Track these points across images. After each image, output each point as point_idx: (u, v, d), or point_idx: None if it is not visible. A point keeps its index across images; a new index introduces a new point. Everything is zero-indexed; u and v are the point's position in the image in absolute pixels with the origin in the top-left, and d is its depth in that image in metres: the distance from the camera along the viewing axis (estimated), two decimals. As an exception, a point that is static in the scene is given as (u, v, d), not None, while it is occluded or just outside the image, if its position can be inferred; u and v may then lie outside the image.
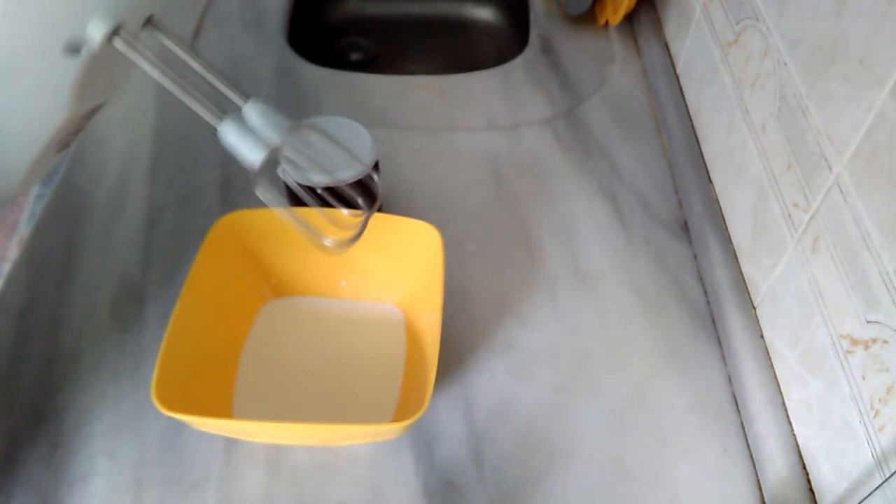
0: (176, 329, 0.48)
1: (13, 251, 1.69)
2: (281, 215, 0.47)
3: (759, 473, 0.52)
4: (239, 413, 0.53)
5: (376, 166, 0.59)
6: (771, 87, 0.55)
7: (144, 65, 0.40)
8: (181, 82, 0.42)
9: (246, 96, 0.46)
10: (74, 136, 0.44)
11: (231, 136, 0.43)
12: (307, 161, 0.53)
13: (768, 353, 0.55)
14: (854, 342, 0.43)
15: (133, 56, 0.40)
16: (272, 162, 0.45)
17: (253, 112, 0.45)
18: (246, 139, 0.43)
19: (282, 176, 0.58)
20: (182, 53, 0.44)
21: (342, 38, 1.03)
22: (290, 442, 0.52)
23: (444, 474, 0.51)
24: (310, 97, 0.78)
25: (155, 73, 0.41)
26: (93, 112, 0.44)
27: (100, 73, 0.41)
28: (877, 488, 0.40)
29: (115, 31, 0.39)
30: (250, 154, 0.43)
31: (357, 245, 0.57)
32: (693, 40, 0.74)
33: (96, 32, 0.38)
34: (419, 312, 0.57)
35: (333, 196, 0.57)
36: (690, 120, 0.73)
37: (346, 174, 0.56)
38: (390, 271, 0.58)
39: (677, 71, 0.78)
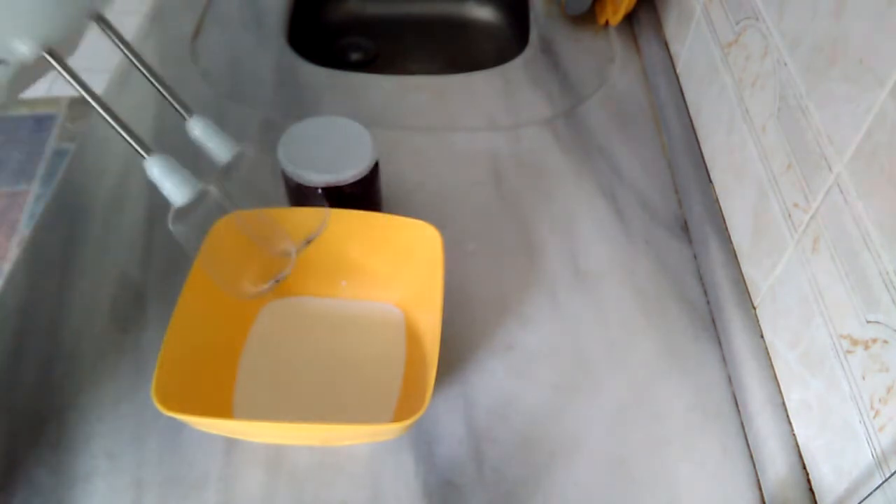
0: (176, 329, 0.48)
1: (13, 251, 1.69)
2: (197, 259, 0.47)
3: (759, 473, 0.52)
4: (239, 413, 0.53)
5: (376, 166, 0.59)
6: (771, 87, 0.55)
7: (74, 85, 0.41)
8: (112, 113, 0.42)
9: (189, 112, 0.46)
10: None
11: (155, 171, 0.43)
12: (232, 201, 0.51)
13: (768, 353, 0.55)
14: (854, 342, 0.43)
15: (63, 75, 0.40)
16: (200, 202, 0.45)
17: (196, 127, 0.45)
18: (172, 177, 0.43)
19: (283, 174, 0.58)
20: (131, 59, 0.45)
21: (342, 38, 1.03)
22: (289, 442, 0.52)
23: (444, 474, 0.51)
24: (310, 97, 0.78)
25: (86, 96, 0.41)
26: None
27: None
28: (877, 488, 0.40)
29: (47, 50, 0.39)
30: (173, 192, 0.43)
31: (357, 245, 0.58)
32: (693, 40, 0.74)
33: (24, 50, 0.39)
34: (419, 312, 0.57)
35: (334, 195, 0.57)
36: (690, 120, 0.73)
37: (347, 174, 0.56)
38: (390, 271, 0.58)
39: (677, 71, 0.78)
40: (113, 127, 0.42)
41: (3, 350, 0.56)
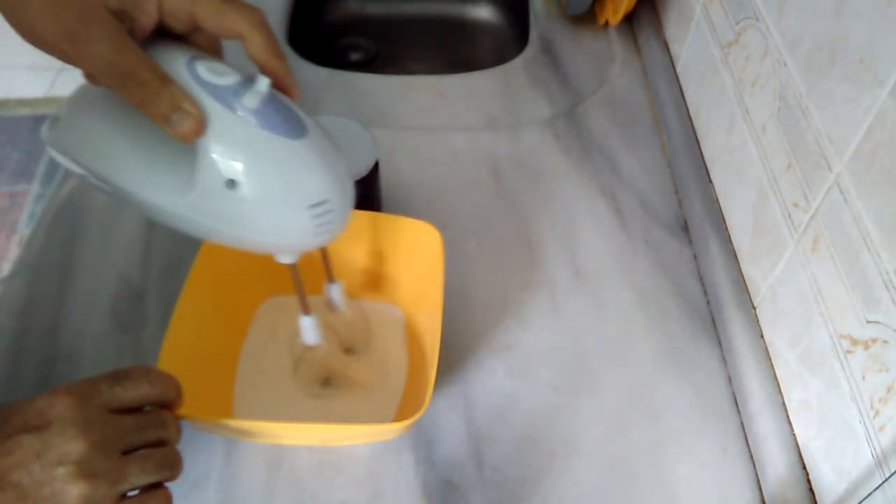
0: (176, 329, 0.48)
1: (13, 251, 1.69)
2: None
3: (759, 473, 0.52)
4: (239, 413, 0.53)
5: (376, 166, 0.59)
6: (771, 87, 0.55)
7: None
8: None
9: None
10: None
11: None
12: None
13: (768, 353, 0.55)
14: (854, 342, 0.43)
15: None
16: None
17: None
18: None
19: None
20: None
21: (342, 38, 1.03)
22: (290, 442, 0.52)
23: (444, 474, 0.51)
24: (310, 97, 0.78)
25: None
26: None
27: None
28: (877, 488, 0.40)
29: None
30: None
31: (357, 245, 0.58)
32: (693, 40, 0.74)
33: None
34: (419, 312, 0.57)
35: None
36: (690, 120, 0.73)
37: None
38: (390, 271, 0.58)
39: (677, 71, 0.78)
40: None
41: (3, 350, 0.56)
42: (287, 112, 0.39)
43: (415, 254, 0.56)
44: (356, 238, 0.57)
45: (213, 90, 0.37)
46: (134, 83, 0.35)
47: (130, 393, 0.38)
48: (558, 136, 0.75)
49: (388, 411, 0.54)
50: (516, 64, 0.84)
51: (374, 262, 0.58)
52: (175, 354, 0.48)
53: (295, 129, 0.38)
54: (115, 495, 0.36)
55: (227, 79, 0.37)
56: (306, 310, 0.48)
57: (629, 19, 0.88)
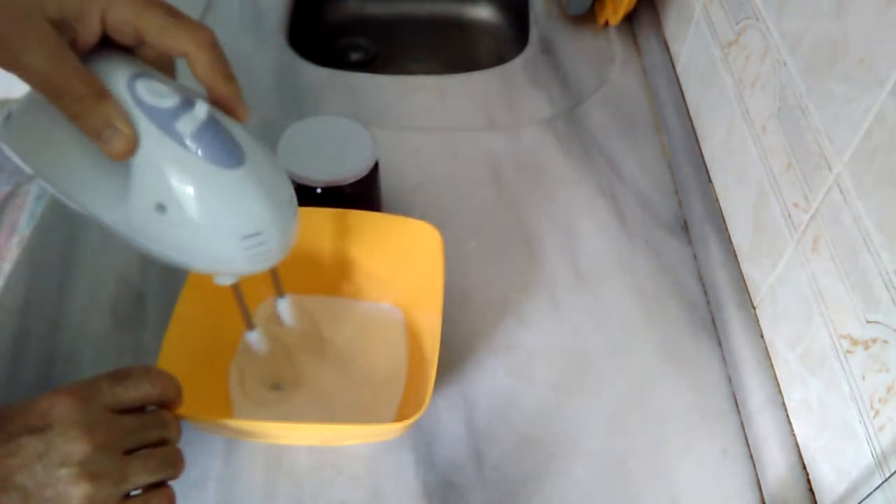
0: (176, 329, 0.48)
1: (13, 251, 1.69)
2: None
3: (759, 473, 0.52)
4: (238, 413, 0.53)
5: (376, 166, 0.59)
6: (771, 87, 0.55)
7: None
8: None
9: None
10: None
11: None
12: None
13: (768, 353, 0.55)
14: (854, 342, 0.43)
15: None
16: None
17: None
18: None
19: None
20: None
21: (342, 38, 1.03)
22: (289, 442, 0.52)
23: (444, 474, 0.51)
24: (310, 97, 0.78)
25: None
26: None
27: None
28: (877, 488, 0.40)
29: None
30: None
31: (357, 245, 0.58)
32: (693, 40, 0.74)
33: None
34: (419, 312, 0.57)
35: (334, 195, 0.57)
36: (690, 120, 0.73)
37: (347, 174, 0.56)
38: (390, 271, 0.58)
39: (677, 71, 0.78)
40: None
41: (3, 350, 0.56)
42: (225, 139, 0.38)
43: (415, 254, 0.56)
44: (356, 238, 0.57)
45: (151, 111, 0.36)
46: (69, 97, 0.35)
47: (131, 393, 0.38)
48: (558, 136, 0.75)
49: (388, 411, 0.54)
50: (516, 64, 0.84)
51: (374, 262, 0.58)
52: (175, 354, 0.48)
53: (232, 157, 0.37)
54: (118, 495, 0.36)
55: (167, 101, 0.36)
56: (250, 325, 0.49)
57: (629, 19, 0.88)
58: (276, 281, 0.49)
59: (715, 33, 0.68)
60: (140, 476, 0.37)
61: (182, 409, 0.42)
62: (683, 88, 0.76)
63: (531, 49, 0.86)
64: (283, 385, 0.55)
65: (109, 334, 0.57)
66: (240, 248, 0.39)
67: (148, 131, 0.36)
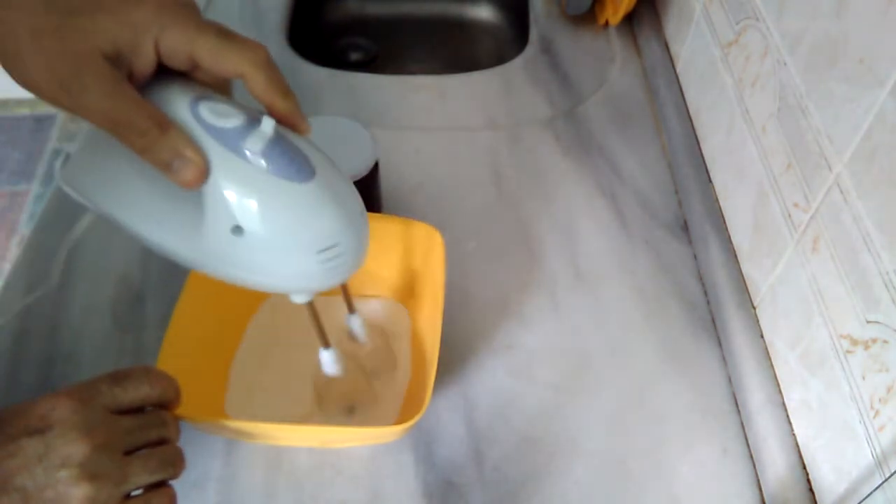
0: (176, 329, 0.48)
1: (13, 251, 1.69)
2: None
3: (759, 473, 0.52)
4: (238, 414, 0.53)
5: (376, 166, 0.59)
6: (771, 87, 0.55)
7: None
8: None
9: None
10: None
11: None
12: None
13: (768, 353, 0.55)
14: (854, 342, 0.43)
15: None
16: None
17: None
18: None
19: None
20: None
21: (342, 38, 1.03)
22: (289, 443, 0.52)
23: (444, 474, 0.51)
24: (310, 97, 0.78)
25: None
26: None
27: None
28: (877, 488, 0.40)
29: None
30: None
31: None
32: (693, 40, 0.74)
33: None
34: (420, 313, 0.57)
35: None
36: (690, 120, 0.73)
37: (347, 173, 0.56)
38: (391, 272, 0.58)
39: (677, 71, 0.78)
40: None
41: (3, 351, 0.56)
42: (294, 154, 0.37)
43: (416, 255, 0.56)
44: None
45: (217, 133, 0.36)
46: (133, 131, 0.34)
47: (130, 394, 0.38)
48: (558, 136, 0.75)
49: (391, 412, 0.54)
50: (516, 64, 0.84)
51: (375, 263, 0.58)
52: (175, 355, 0.48)
53: (302, 171, 0.37)
54: (119, 495, 0.36)
55: (232, 121, 0.36)
56: (326, 343, 0.47)
57: (629, 19, 0.88)
58: (347, 297, 0.49)
59: (715, 33, 0.68)
60: (140, 476, 0.37)
61: (182, 410, 0.42)
62: (683, 88, 0.76)
63: (531, 49, 0.86)
64: (358, 406, 0.54)
65: (109, 334, 0.57)
66: (316, 261, 0.38)
67: (217, 153, 0.36)
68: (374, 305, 0.60)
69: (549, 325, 0.60)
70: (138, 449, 0.38)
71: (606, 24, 0.88)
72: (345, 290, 0.48)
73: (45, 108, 1.99)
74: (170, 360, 0.47)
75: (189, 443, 0.52)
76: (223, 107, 0.37)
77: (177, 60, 0.37)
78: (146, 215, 0.39)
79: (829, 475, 0.46)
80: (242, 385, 0.55)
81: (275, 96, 0.38)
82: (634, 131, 0.76)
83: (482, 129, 0.76)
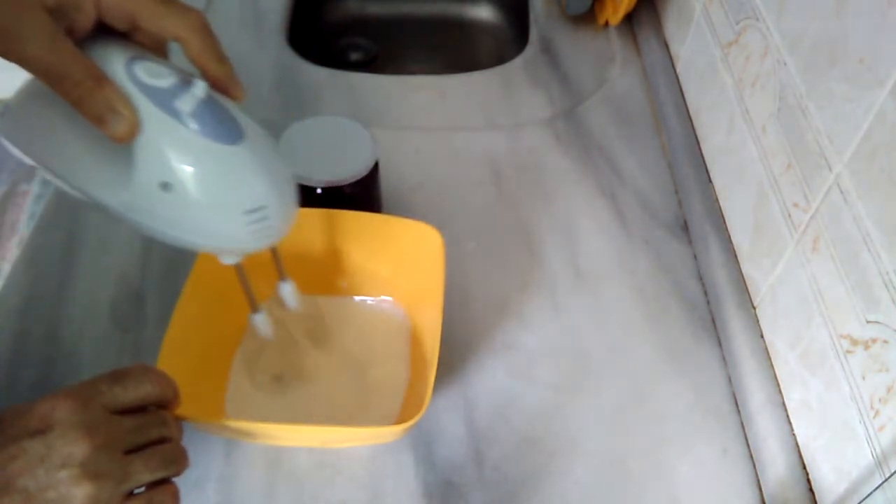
0: (176, 329, 0.48)
1: (13, 251, 1.69)
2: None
3: (759, 473, 0.52)
4: (230, 414, 0.53)
5: (376, 166, 0.59)
6: (771, 87, 0.55)
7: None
8: None
9: None
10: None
11: None
12: None
13: (768, 353, 0.55)
14: (854, 342, 0.43)
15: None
16: None
17: None
18: None
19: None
20: None
21: (342, 38, 1.03)
22: (288, 443, 0.52)
23: (444, 474, 0.51)
24: (310, 97, 0.78)
25: None
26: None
27: None
28: (877, 488, 0.40)
29: None
30: None
31: (357, 246, 0.58)
32: (693, 40, 0.74)
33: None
34: (419, 313, 0.57)
35: (334, 196, 0.57)
36: (690, 120, 0.73)
37: (347, 174, 0.56)
38: (391, 273, 0.58)
39: (677, 71, 0.78)
40: None
41: (3, 350, 0.56)
42: (224, 116, 0.38)
43: (415, 255, 0.56)
44: (357, 239, 0.57)
45: (150, 92, 0.37)
46: (69, 83, 0.35)
47: (130, 393, 0.38)
48: (558, 136, 0.75)
49: (391, 412, 0.54)
50: (516, 64, 0.84)
51: (375, 263, 0.58)
52: (175, 354, 0.48)
53: (231, 133, 0.38)
54: (120, 494, 0.36)
55: (165, 81, 0.37)
56: (254, 308, 0.49)
57: (629, 19, 0.88)
58: (278, 263, 0.49)
59: (715, 33, 0.68)
60: (142, 474, 0.37)
61: (182, 410, 0.42)
62: (683, 88, 0.76)
63: (531, 49, 0.86)
64: (285, 376, 0.55)
65: (109, 334, 0.57)
66: (243, 223, 0.39)
67: (149, 112, 0.37)
68: (374, 305, 0.60)
69: (549, 325, 0.60)
70: (140, 448, 0.38)
71: (606, 24, 0.88)
72: (275, 255, 0.49)
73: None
74: (170, 361, 0.47)
75: (189, 443, 0.52)
76: (158, 67, 0.38)
77: (116, 19, 0.38)
78: (79, 168, 0.39)
79: (829, 475, 0.46)
80: (242, 385, 0.55)
81: (210, 61, 0.39)
82: (634, 131, 0.76)
83: (482, 129, 0.76)
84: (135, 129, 0.36)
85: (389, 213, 0.65)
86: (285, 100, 0.78)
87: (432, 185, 0.70)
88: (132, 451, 0.38)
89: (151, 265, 0.62)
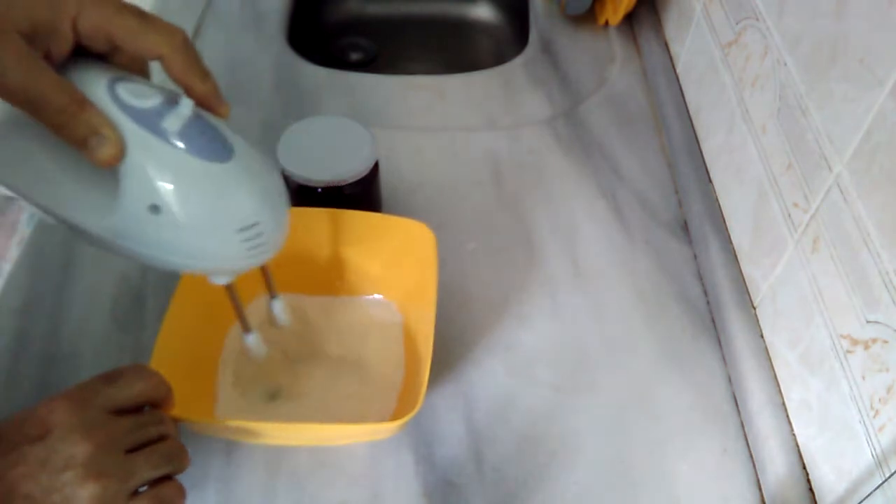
0: (168, 330, 0.48)
1: (13, 251, 1.69)
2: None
3: (758, 473, 0.52)
4: (221, 414, 0.53)
5: (376, 166, 0.59)
6: (771, 87, 0.55)
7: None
8: None
9: None
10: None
11: None
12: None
13: (768, 353, 0.55)
14: (854, 342, 0.43)
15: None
16: None
17: None
18: None
19: (283, 174, 0.58)
20: None
21: (342, 38, 1.03)
22: (284, 443, 0.52)
23: (444, 474, 0.51)
24: (310, 97, 0.78)
25: None
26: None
27: None
28: (877, 488, 0.40)
29: None
30: None
31: (352, 245, 0.57)
32: (693, 40, 0.74)
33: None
34: (415, 312, 0.57)
35: (334, 195, 0.57)
36: (690, 120, 0.73)
37: (347, 174, 0.56)
38: (385, 271, 0.58)
39: (677, 71, 0.78)
40: None
41: (3, 350, 0.56)
42: (213, 134, 0.38)
43: (408, 253, 0.56)
44: (350, 238, 0.57)
45: (134, 113, 0.36)
46: (50, 109, 0.34)
47: (125, 392, 0.38)
48: (558, 136, 0.75)
49: (387, 409, 0.54)
50: (516, 64, 0.84)
51: (369, 261, 0.58)
52: (168, 356, 0.47)
53: (220, 151, 0.37)
54: (125, 492, 0.36)
55: (150, 101, 0.36)
56: (247, 329, 0.48)
57: (629, 19, 0.88)
58: (269, 280, 0.49)
59: (715, 33, 0.68)
60: (145, 471, 0.37)
61: (177, 411, 0.42)
62: (683, 88, 0.76)
63: (531, 49, 0.86)
64: (280, 394, 0.54)
65: (109, 334, 0.57)
66: (237, 241, 0.39)
67: (134, 133, 0.36)
68: (366, 304, 0.59)
69: (549, 325, 0.60)
70: (140, 447, 0.38)
71: (606, 24, 0.88)
72: (266, 273, 0.48)
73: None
74: (162, 362, 0.46)
75: (189, 443, 0.52)
76: (141, 87, 0.37)
77: (95, 41, 0.37)
78: (61, 195, 0.39)
79: (829, 475, 0.46)
80: (231, 393, 0.54)
81: (193, 78, 0.39)
82: (634, 131, 0.76)
83: (482, 129, 0.76)
84: (120, 152, 0.35)
85: (389, 213, 0.65)
86: (285, 100, 0.78)
87: (432, 185, 0.70)
88: (132, 450, 0.38)
89: (151, 265, 0.62)
